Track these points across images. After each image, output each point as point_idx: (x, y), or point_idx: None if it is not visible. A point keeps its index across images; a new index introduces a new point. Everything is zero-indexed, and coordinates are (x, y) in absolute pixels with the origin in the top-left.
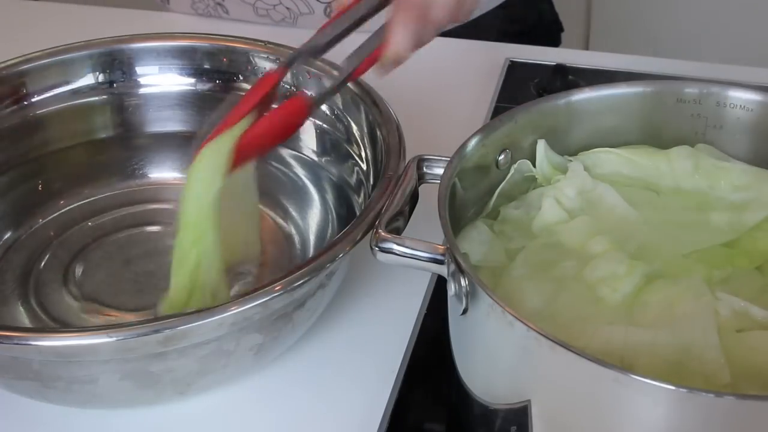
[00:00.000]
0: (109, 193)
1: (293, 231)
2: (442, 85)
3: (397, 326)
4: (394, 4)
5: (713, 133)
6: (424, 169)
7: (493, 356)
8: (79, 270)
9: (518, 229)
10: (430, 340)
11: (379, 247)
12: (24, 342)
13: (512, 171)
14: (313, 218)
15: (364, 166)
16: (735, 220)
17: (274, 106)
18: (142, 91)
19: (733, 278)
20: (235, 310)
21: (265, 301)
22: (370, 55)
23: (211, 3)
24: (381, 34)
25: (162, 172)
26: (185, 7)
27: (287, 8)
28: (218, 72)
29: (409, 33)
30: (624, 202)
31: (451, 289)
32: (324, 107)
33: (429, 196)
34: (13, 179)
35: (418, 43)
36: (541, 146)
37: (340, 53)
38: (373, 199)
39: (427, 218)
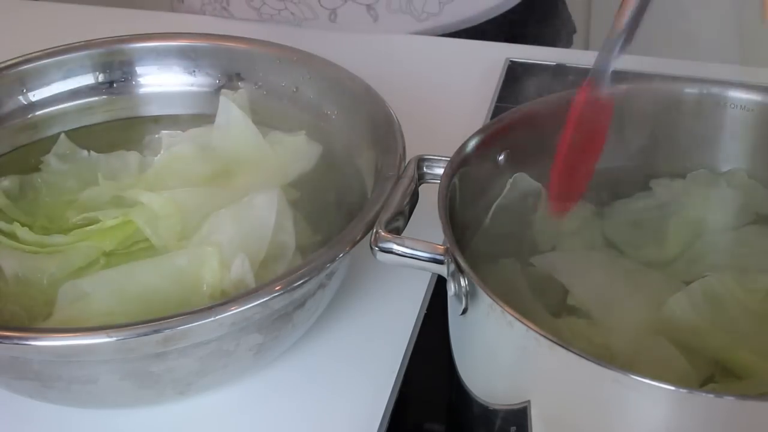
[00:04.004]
0: None
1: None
2: (442, 85)
3: (397, 326)
4: None
5: (713, 133)
6: (424, 169)
7: (492, 356)
8: None
9: None
10: (430, 340)
11: (379, 247)
12: (24, 342)
13: (509, 186)
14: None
15: (364, 166)
16: None
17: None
18: (142, 91)
19: None
20: (235, 310)
21: (265, 301)
22: None
23: (217, 7)
24: None
25: None
26: (195, 7)
27: (292, 13)
28: (218, 72)
29: None
30: None
31: (451, 289)
32: (324, 108)
33: (429, 196)
34: (12, 179)
35: None
36: None
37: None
38: (373, 199)
39: (427, 218)
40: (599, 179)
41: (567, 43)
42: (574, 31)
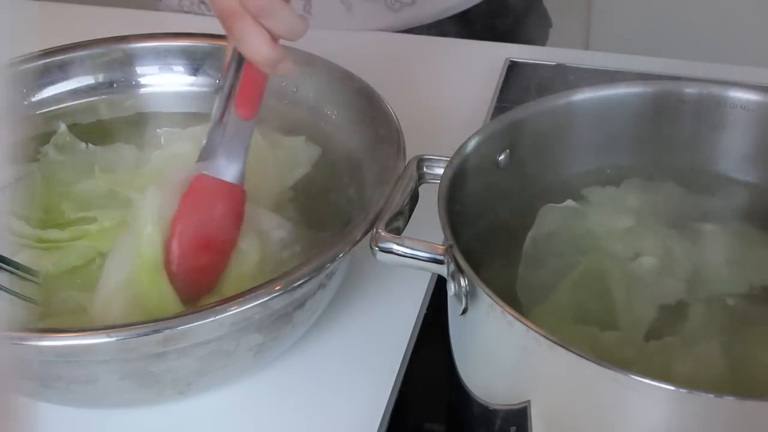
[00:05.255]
0: None
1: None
2: (442, 85)
3: (397, 326)
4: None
5: (713, 133)
6: (424, 169)
7: (492, 356)
8: None
9: None
10: (430, 340)
11: (379, 247)
12: (24, 342)
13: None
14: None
15: (364, 167)
16: None
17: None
18: (142, 91)
19: None
20: (235, 310)
21: (265, 301)
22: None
23: (195, 0)
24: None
25: None
26: (173, 4)
27: None
28: (218, 72)
29: (256, 35)
30: None
31: (451, 289)
32: (324, 108)
33: (429, 196)
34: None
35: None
36: None
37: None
38: (373, 199)
39: (427, 218)
40: (599, 178)
41: (543, 38)
42: (550, 26)
